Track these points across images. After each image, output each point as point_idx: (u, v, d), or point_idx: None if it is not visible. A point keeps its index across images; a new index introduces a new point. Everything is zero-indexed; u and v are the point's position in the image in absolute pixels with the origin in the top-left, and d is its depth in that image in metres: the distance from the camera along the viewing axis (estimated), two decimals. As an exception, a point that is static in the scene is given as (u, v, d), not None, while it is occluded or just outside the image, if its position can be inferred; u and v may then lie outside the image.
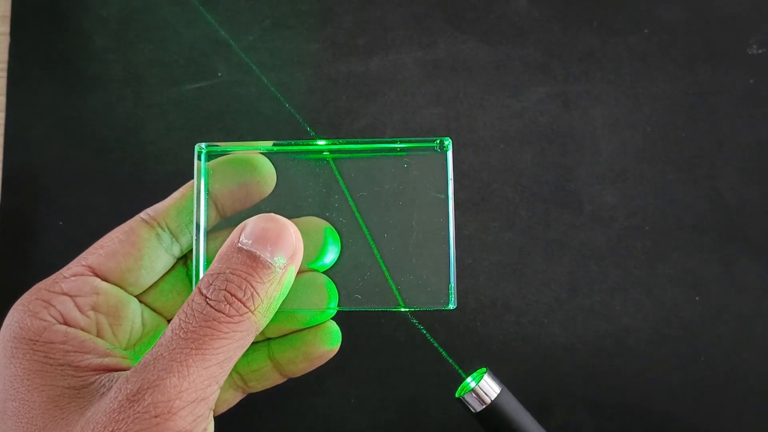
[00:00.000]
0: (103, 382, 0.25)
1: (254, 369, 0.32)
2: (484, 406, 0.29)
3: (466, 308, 0.38)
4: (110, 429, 0.23)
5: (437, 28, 0.40)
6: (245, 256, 0.26)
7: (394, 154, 0.29)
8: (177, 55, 0.40)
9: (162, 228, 0.30)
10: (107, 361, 0.26)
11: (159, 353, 0.24)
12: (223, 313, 0.25)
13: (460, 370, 0.31)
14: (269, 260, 0.26)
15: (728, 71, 0.40)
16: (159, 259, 0.30)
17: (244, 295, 0.25)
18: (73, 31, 0.40)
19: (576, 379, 0.37)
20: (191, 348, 0.24)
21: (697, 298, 0.38)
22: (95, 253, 0.29)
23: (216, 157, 0.29)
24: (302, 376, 0.37)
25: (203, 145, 0.29)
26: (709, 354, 0.37)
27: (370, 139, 0.29)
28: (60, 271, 0.29)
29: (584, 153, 0.39)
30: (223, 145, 0.29)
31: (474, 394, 0.30)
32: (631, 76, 0.40)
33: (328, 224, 0.30)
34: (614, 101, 0.40)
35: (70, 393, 0.25)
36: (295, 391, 0.37)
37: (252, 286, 0.26)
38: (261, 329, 0.26)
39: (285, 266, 0.26)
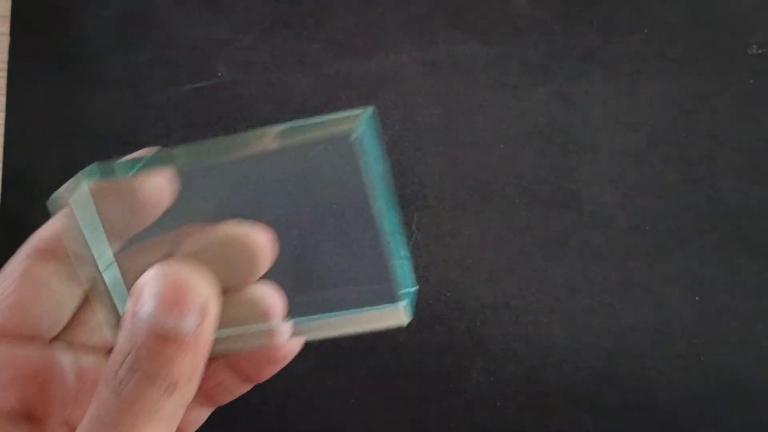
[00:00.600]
0: None
1: (216, 383, 0.29)
2: None
3: (466, 308, 0.38)
4: None
5: (437, 28, 0.40)
6: (147, 332, 0.22)
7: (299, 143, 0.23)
8: (177, 55, 0.40)
9: (57, 257, 0.25)
10: None
11: None
12: (142, 395, 0.21)
13: None
14: (176, 329, 0.22)
15: (728, 71, 0.40)
16: (68, 292, 0.26)
17: (162, 371, 0.22)
18: (73, 31, 0.40)
19: (576, 379, 0.37)
20: None
21: (697, 298, 0.38)
22: None
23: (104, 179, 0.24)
24: (302, 376, 0.37)
25: (84, 174, 0.24)
26: (710, 354, 0.37)
27: (265, 129, 0.23)
28: None
29: (584, 153, 0.39)
30: (112, 165, 0.24)
31: None
32: (632, 76, 0.40)
33: (249, 228, 0.25)
34: (614, 101, 0.40)
35: None
36: (295, 391, 0.37)
37: (166, 362, 0.22)
38: (194, 391, 0.23)
39: (198, 325, 0.22)
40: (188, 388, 0.22)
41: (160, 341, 0.22)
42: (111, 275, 0.24)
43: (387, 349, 0.38)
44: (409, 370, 0.37)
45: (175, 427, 0.22)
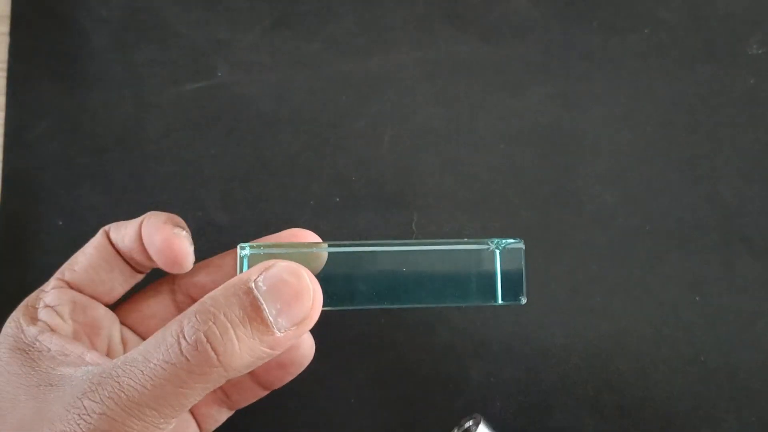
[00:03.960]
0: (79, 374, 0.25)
1: (234, 382, 0.31)
2: None
3: (467, 308, 0.38)
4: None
5: (437, 27, 0.40)
6: (248, 302, 0.23)
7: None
8: (177, 54, 0.40)
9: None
10: (88, 358, 0.27)
11: (122, 378, 0.23)
12: (191, 363, 0.23)
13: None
14: (270, 318, 0.23)
15: (729, 71, 0.40)
16: (129, 270, 0.31)
17: (223, 348, 0.23)
18: (73, 30, 0.40)
19: (576, 380, 0.37)
20: (148, 403, 0.23)
21: (697, 299, 0.38)
22: (69, 269, 0.30)
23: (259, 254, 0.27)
24: (302, 377, 0.37)
25: (246, 247, 0.27)
26: (710, 354, 0.37)
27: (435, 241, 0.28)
28: (41, 287, 0.30)
29: (584, 153, 0.39)
30: (266, 246, 0.27)
31: None
32: (632, 75, 0.40)
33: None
34: (614, 101, 0.40)
35: (53, 389, 0.25)
36: (295, 391, 0.37)
37: (235, 339, 0.23)
38: (223, 381, 0.24)
39: (286, 331, 0.24)
40: (229, 377, 0.24)
41: (251, 316, 0.23)
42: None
43: (387, 349, 0.38)
44: (410, 370, 0.37)
45: (190, 405, 0.24)
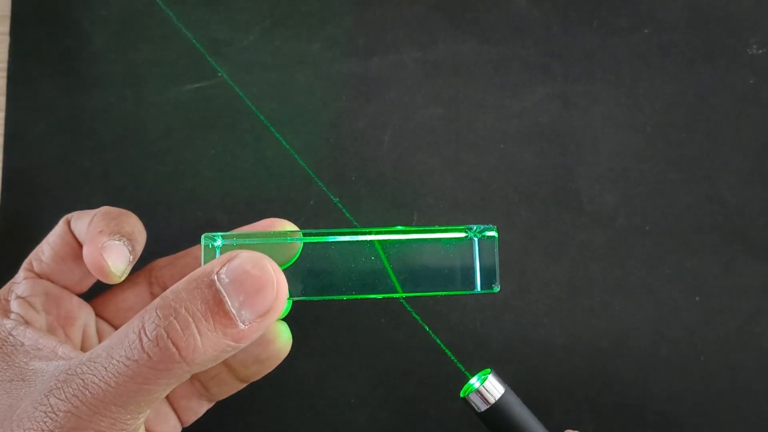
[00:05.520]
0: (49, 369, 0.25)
1: (212, 375, 0.31)
2: (488, 406, 0.30)
3: (466, 308, 0.38)
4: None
5: (437, 28, 0.40)
6: (210, 295, 0.23)
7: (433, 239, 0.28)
8: (177, 55, 0.40)
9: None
10: (61, 352, 0.26)
11: (85, 378, 0.23)
12: (153, 359, 0.22)
13: (464, 370, 0.31)
14: (233, 311, 0.23)
15: (728, 71, 0.40)
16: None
17: (185, 343, 0.23)
18: (73, 30, 0.40)
19: (576, 380, 0.37)
20: (112, 400, 0.23)
21: (697, 299, 0.38)
22: (36, 259, 0.30)
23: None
24: (302, 376, 0.37)
25: (216, 237, 0.27)
26: (709, 354, 0.37)
27: (407, 228, 0.28)
28: (11, 280, 0.30)
29: (584, 153, 0.39)
30: (239, 237, 0.27)
31: (478, 394, 0.30)
32: (632, 76, 0.40)
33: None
34: (614, 101, 0.40)
35: (24, 384, 0.25)
36: (295, 391, 0.37)
37: (197, 334, 0.23)
38: (188, 376, 0.24)
39: (250, 323, 0.23)
40: (193, 371, 0.23)
41: (214, 310, 0.23)
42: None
43: (387, 349, 0.38)
44: (409, 370, 0.37)
45: (156, 400, 0.23)
